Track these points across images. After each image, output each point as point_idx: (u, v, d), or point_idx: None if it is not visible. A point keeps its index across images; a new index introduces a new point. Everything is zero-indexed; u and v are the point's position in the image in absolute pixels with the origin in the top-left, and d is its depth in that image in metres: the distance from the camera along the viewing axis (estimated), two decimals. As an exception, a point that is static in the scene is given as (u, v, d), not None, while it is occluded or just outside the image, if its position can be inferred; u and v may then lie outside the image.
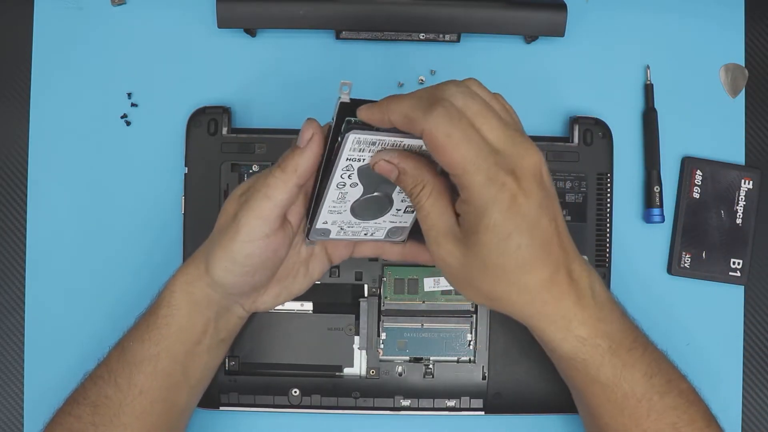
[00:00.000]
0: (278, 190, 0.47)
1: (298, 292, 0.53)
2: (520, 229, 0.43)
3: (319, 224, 0.49)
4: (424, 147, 0.45)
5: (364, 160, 0.46)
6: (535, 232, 0.44)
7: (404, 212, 0.51)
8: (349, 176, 0.47)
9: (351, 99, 0.44)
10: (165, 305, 0.51)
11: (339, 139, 0.45)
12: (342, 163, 0.46)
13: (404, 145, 0.46)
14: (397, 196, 0.49)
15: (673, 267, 0.62)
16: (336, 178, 0.46)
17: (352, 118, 0.44)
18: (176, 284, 0.51)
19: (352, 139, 0.44)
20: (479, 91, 0.45)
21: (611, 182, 0.61)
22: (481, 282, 0.46)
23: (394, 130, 0.45)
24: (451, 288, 0.60)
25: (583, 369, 0.49)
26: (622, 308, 0.50)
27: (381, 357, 0.60)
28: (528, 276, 0.45)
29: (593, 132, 0.61)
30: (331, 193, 0.47)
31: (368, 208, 0.48)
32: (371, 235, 0.51)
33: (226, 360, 0.59)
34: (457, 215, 0.46)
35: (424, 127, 0.42)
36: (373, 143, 0.45)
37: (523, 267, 0.44)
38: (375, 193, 0.48)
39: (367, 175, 0.47)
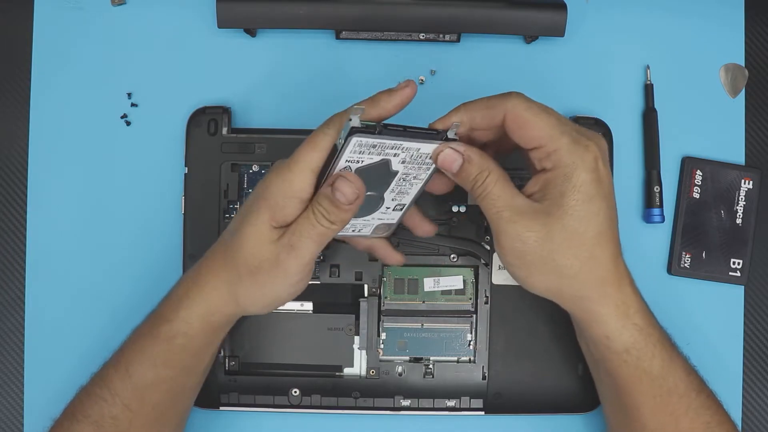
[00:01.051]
0: (326, 238, 0.47)
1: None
2: (601, 194, 0.46)
3: None
4: (422, 150, 0.47)
5: (362, 162, 0.46)
6: (609, 202, 0.47)
7: (393, 210, 0.51)
8: None
9: (361, 123, 0.44)
10: (181, 335, 0.51)
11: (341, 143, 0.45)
12: (341, 164, 0.46)
13: (404, 147, 0.46)
14: (389, 195, 0.50)
15: (673, 267, 0.62)
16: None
17: (363, 123, 0.44)
18: (194, 315, 0.51)
19: (354, 141, 0.44)
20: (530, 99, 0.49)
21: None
22: (559, 253, 0.47)
23: (397, 135, 0.45)
24: (451, 288, 0.60)
25: (635, 362, 0.49)
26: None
27: (381, 357, 0.60)
28: (601, 248, 0.47)
29: (593, 132, 0.61)
30: None
31: (361, 206, 0.49)
32: (358, 231, 0.52)
33: (226, 360, 0.59)
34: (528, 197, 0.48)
35: (506, 107, 0.47)
36: (374, 146, 0.45)
37: (599, 236, 0.47)
38: (369, 193, 0.48)
39: (365, 176, 0.47)
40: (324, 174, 0.47)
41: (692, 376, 0.51)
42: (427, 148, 0.48)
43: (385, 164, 0.47)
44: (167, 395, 0.52)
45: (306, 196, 0.47)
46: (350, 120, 0.44)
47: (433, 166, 0.49)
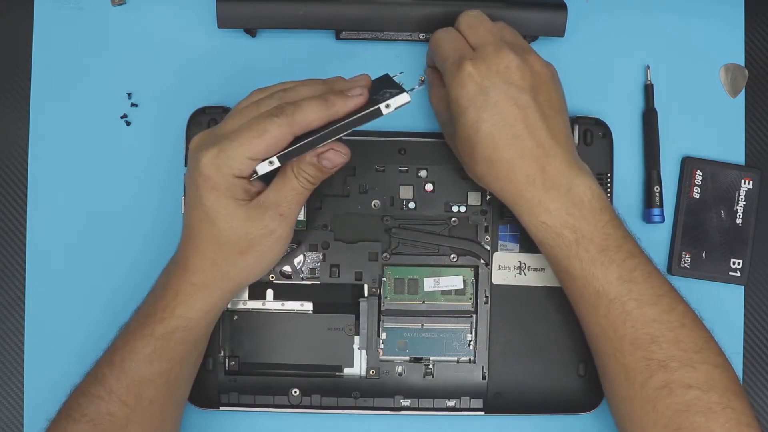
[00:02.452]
0: (308, 194, 0.52)
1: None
2: (476, 105, 0.51)
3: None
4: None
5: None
6: (491, 110, 0.50)
7: None
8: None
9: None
10: (180, 329, 0.51)
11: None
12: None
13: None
14: None
15: (673, 267, 0.62)
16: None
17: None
18: (192, 311, 0.51)
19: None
20: (482, 15, 0.55)
21: (611, 182, 0.61)
22: (463, 155, 0.54)
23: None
24: (451, 288, 0.60)
25: (552, 256, 0.53)
26: (615, 218, 0.52)
27: (381, 357, 0.60)
28: (492, 150, 0.51)
29: (593, 132, 0.61)
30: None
31: None
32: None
33: (226, 360, 0.59)
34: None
35: (430, 41, 0.56)
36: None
37: (486, 140, 0.51)
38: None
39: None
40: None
41: (633, 286, 0.51)
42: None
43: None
44: (164, 388, 0.52)
45: (247, 176, 0.49)
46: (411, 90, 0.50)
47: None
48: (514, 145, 0.51)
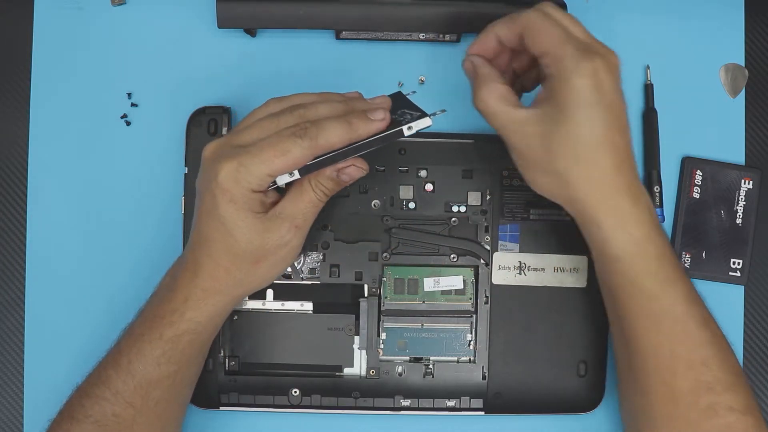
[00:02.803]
0: (322, 201, 0.52)
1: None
2: (600, 103, 0.48)
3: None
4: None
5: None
6: (609, 111, 0.48)
7: None
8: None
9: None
10: (189, 333, 0.51)
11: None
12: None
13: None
14: None
15: (673, 267, 0.62)
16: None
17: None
18: (202, 316, 0.52)
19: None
20: (562, 10, 0.51)
21: (611, 182, 0.61)
22: (558, 158, 0.49)
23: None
24: (451, 288, 0.60)
25: (628, 271, 0.50)
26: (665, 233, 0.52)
27: (381, 357, 0.60)
28: (600, 154, 0.48)
29: (593, 132, 0.60)
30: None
31: None
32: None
33: (226, 360, 0.59)
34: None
35: (522, 20, 0.50)
36: None
37: (599, 143, 0.48)
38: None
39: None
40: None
41: (694, 308, 0.50)
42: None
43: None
44: (170, 390, 0.52)
45: (264, 189, 0.50)
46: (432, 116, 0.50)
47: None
48: (615, 153, 0.49)
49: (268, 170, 0.48)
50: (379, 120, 0.49)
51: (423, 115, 0.50)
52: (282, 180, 0.49)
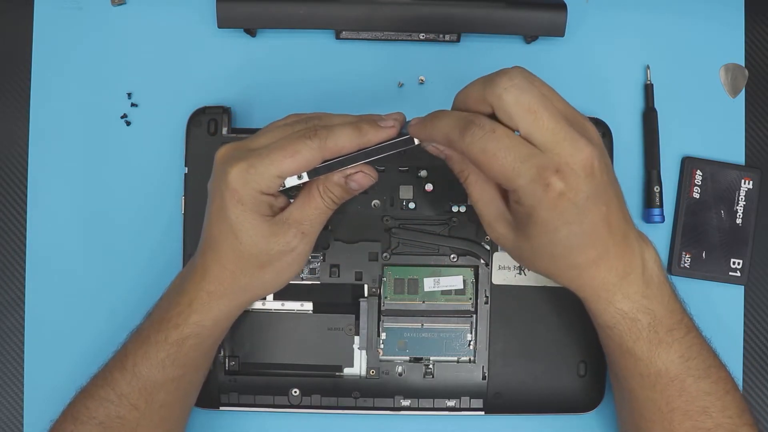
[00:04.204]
0: (332, 210, 0.51)
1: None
2: (568, 222, 0.45)
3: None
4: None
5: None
6: (583, 221, 0.46)
7: None
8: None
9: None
10: (194, 336, 0.51)
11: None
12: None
13: None
14: None
15: (673, 267, 0.62)
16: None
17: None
18: (207, 320, 0.51)
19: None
20: (529, 85, 0.44)
21: (611, 182, 0.61)
22: (533, 261, 0.49)
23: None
24: (451, 288, 0.60)
25: (618, 339, 0.50)
26: (672, 289, 0.51)
27: (381, 357, 0.60)
28: (576, 257, 0.47)
29: (593, 132, 0.60)
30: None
31: None
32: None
33: (226, 360, 0.59)
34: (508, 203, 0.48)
35: (462, 148, 0.45)
36: None
37: (571, 250, 0.47)
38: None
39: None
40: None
41: (692, 362, 0.50)
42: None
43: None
44: (175, 393, 0.52)
45: (274, 192, 0.49)
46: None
47: None
48: (600, 246, 0.47)
49: (277, 171, 0.48)
50: (389, 127, 0.49)
51: None
52: (291, 182, 0.49)
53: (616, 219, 0.48)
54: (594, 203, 0.46)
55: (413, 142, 0.49)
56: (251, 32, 0.62)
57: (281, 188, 0.49)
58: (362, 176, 0.50)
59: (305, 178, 0.49)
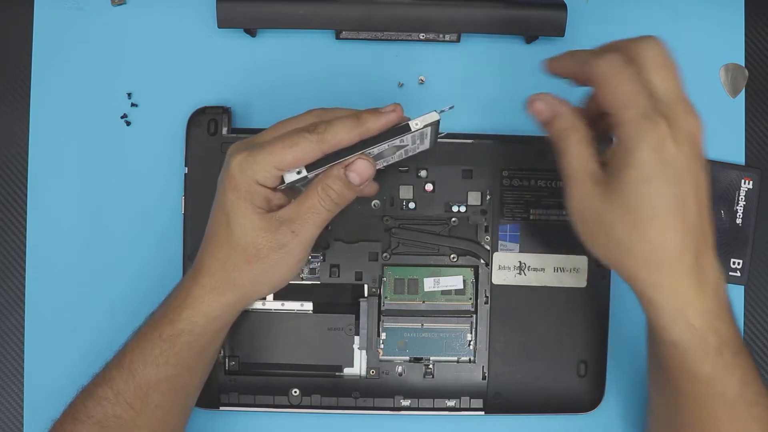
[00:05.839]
0: (328, 220, 0.50)
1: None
2: (663, 176, 0.44)
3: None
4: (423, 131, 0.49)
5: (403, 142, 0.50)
6: (676, 187, 0.44)
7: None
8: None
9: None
10: (186, 333, 0.51)
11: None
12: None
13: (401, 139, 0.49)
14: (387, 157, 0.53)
15: (673, 267, 0.62)
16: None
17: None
18: (199, 315, 0.51)
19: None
20: (668, 51, 0.47)
21: (611, 182, 0.60)
22: (614, 227, 0.46)
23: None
24: (451, 288, 0.60)
25: (681, 358, 0.47)
26: (732, 309, 0.49)
27: (381, 357, 0.60)
28: (660, 232, 0.45)
29: (593, 132, 0.61)
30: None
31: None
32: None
33: (226, 360, 0.59)
34: (602, 165, 0.47)
35: (592, 65, 0.45)
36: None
37: (657, 218, 0.44)
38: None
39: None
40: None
41: (747, 388, 0.48)
42: (426, 129, 0.50)
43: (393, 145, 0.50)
44: (170, 394, 0.52)
45: (271, 185, 0.49)
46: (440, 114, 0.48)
47: (429, 131, 0.50)
48: (685, 233, 0.45)
49: (274, 161, 0.48)
50: (389, 111, 0.48)
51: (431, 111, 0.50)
52: (289, 177, 0.49)
53: (704, 218, 0.46)
54: (689, 175, 0.45)
55: (410, 129, 0.49)
56: (251, 32, 0.62)
57: (281, 185, 0.49)
58: (361, 163, 0.49)
59: (304, 172, 0.49)
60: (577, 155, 0.47)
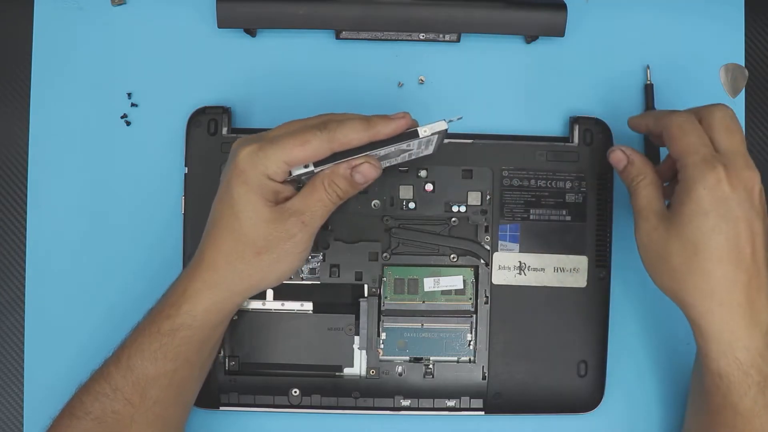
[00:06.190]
0: (333, 209, 0.52)
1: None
2: (718, 212, 0.49)
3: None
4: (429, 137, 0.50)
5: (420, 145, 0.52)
6: (730, 223, 0.49)
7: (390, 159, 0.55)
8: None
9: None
10: (185, 327, 0.51)
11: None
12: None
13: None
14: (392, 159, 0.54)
15: (673, 267, 0.62)
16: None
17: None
18: (198, 308, 0.51)
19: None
20: (735, 117, 0.52)
21: (611, 182, 0.61)
22: (673, 256, 0.50)
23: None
24: (451, 288, 0.60)
25: (725, 391, 0.50)
26: None
27: (381, 357, 0.60)
28: (713, 262, 0.49)
29: (593, 132, 0.61)
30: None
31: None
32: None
33: (226, 360, 0.59)
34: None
35: (667, 120, 0.52)
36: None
37: (711, 250, 0.49)
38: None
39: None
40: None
41: None
42: (433, 135, 0.51)
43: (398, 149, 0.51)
44: (169, 390, 0.52)
45: (280, 179, 0.50)
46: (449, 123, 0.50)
47: (435, 138, 0.51)
48: (738, 269, 0.49)
49: (285, 157, 0.49)
50: (398, 118, 0.50)
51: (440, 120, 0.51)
52: (297, 171, 0.50)
53: (759, 260, 0.49)
54: (745, 221, 0.49)
55: (418, 135, 0.50)
56: (251, 32, 0.62)
57: (288, 177, 0.50)
58: (368, 167, 0.50)
59: (311, 167, 0.50)
60: (645, 195, 0.53)
